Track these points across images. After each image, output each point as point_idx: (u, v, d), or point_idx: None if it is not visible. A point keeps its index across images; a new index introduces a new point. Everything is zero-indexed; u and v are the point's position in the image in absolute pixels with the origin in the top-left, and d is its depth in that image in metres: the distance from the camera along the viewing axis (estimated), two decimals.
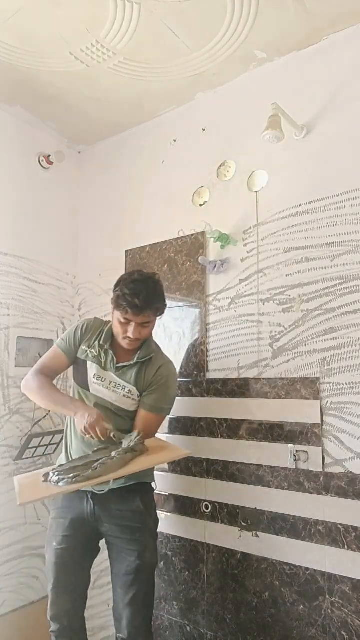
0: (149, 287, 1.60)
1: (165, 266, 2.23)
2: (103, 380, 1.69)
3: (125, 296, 1.57)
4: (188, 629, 1.94)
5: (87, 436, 1.54)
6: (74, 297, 2.62)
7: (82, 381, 1.72)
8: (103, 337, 1.71)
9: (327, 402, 1.69)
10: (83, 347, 1.72)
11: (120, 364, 1.69)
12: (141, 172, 2.42)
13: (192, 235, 2.16)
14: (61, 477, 1.42)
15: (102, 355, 1.69)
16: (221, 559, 1.88)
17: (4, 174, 2.32)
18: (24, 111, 2.35)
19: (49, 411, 2.37)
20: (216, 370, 2.00)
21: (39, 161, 2.48)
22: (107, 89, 2.16)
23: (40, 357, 2.33)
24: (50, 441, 2.33)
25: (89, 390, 1.70)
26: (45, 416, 2.36)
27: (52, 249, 2.52)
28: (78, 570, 1.68)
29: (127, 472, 1.46)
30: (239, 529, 1.84)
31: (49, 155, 2.49)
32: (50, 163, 2.50)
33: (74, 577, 1.67)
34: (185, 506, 2.01)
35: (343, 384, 1.67)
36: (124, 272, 2.34)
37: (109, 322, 1.74)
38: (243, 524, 1.83)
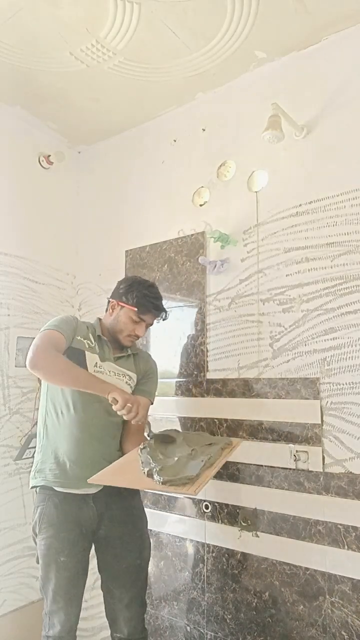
0: (160, 295, 1.80)
1: (165, 266, 2.23)
2: (103, 370, 1.70)
3: (150, 298, 1.73)
4: (188, 629, 1.94)
5: (123, 411, 1.48)
6: (74, 297, 2.62)
7: None
8: (96, 330, 1.76)
9: (327, 402, 1.69)
10: (78, 337, 1.69)
11: (117, 355, 1.76)
12: (141, 172, 2.42)
13: (192, 235, 2.16)
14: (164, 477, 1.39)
15: (98, 346, 1.72)
16: (221, 559, 1.88)
17: (4, 174, 2.32)
18: (24, 111, 2.35)
19: None
20: (216, 370, 2.00)
21: (39, 161, 2.48)
22: (107, 89, 2.16)
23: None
24: None
25: None
26: None
27: (52, 249, 2.52)
28: (84, 579, 1.64)
29: (217, 468, 1.53)
30: (239, 529, 1.83)
31: (49, 155, 2.48)
32: (50, 163, 2.50)
33: (81, 586, 1.63)
34: (185, 506, 2.01)
35: (343, 384, 1.67)
36: (124, 272, 2.38)
37: (84, 321, 1.81)
38: (243, 524, 1.82)
